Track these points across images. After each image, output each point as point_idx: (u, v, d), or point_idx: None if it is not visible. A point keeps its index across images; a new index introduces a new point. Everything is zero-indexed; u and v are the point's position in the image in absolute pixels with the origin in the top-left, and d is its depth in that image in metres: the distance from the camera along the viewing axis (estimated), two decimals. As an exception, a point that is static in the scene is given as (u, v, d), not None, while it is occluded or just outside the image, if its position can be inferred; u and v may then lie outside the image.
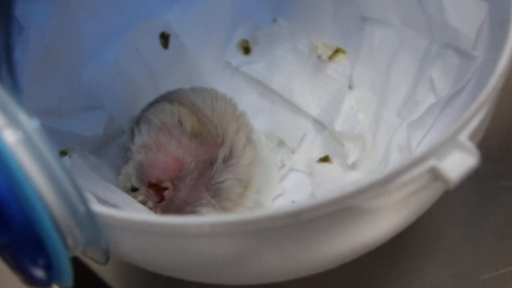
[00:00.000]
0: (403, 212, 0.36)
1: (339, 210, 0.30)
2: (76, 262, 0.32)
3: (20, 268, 0.32)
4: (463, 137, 0.33)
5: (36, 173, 0.29)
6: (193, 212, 0.48)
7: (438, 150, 0.32)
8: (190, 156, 0.47)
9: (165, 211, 0.48)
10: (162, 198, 0.47)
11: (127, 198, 0.47)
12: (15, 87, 0.37)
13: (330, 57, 0.60)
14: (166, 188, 0.47)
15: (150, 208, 0.48)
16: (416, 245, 0.49)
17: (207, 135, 0.48)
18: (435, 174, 0.32)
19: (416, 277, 0.48)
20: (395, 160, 0.51)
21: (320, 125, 0.60)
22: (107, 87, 0.56)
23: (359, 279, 0.48)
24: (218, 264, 0.35)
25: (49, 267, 0.31)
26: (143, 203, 0.48)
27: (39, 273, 0.32)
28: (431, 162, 0.32)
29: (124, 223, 0.32)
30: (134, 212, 0.43)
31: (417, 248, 0.49)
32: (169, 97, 0.51)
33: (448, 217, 0.51)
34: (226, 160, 0.48)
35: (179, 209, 0.48)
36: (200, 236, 0.31)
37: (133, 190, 0.48)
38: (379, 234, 0.37)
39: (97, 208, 0.31)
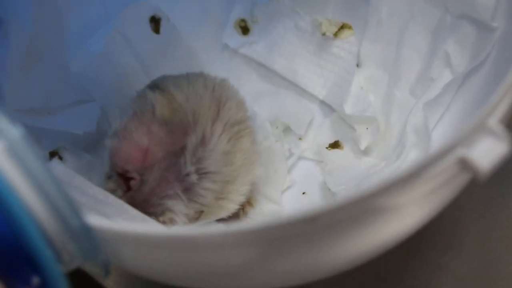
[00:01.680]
0: (428, 207, 0.34)
1: (362, 211, 0.29)
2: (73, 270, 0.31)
3: (13, 289, 0.30)
4: (493, 121, 0.31)
5: (23, 186, 0.28)
6: (159, 204, 0.46)
7: (465, 137, 0.30)
8: (159, 145, 0.45)
9: (132, 201, 0.46)
10: (129, 188, 0.46)
11: (119, 204, 0.45)
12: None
13: (336, 34, 0.58)
14: (132, 178, 0.46)
15: (120, 197, 0.46)
16: (440, 237, 0.48)
17: (178, 122, 0.46)
18: (464, 165, 0.30)
19: (442, 271, 0.47)
20: (412, 143, 0.50)
21: (328, 108, 0.58)
22: (96, 78, 0.55)
23: (382, 275, 0.47)
24: (227, 273, 0.33)
25: (44, 286, 0.30)
26: (113, 191, 0.46)
27: (33, 294, 0.30)
28: (459, 152, 0.30)
29: (122, 236, 0.30)
30: (129, 223, 0.41)
31: (441, 240, 0.48)
32: (152, 84, 0.49)
33: (472, 206, 0.49)
34: (195, 151, 0.45)
35: (146, 201, 0.46)
36: (209, 247, 0.29)
37: (109, 177, 0.47)
38: (401, 231, 0.35)
39: (93, 220, 0.29)
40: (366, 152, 0.54)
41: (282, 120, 0.57)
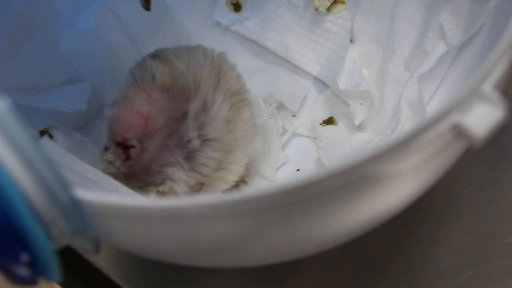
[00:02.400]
0: (423, 177, 0.34)
1: (355, 180, 0.28)
2: (66, 251, 0.30)
3: (1, 266, 0.29)
4: (488, 87, 0.30)
5: (10, 160, 0.27)
6: (159, 172, 0.45)
7: (459, 103, 0.30)
8: (159, 112, 0.44)
9: (131, 170, 0.45)
10: (128, 157, 0.45)
11: (108, 181, 0.45)
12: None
13: (328, 9, 0.57)
14: (132, 146, 0.45)
15: (118, 167, 0.46)
16: (435, 211, 0.48)
17: (179, 89, 0.45)
18: (459, 131, 0.29)
19: (438, 244, 0.46)
20: (407, 117, 0.49)
21: (322, 84, 0.58)
22: (86, 57, 0.54)
23: (377, 250, 0.46)
24: (219, 247, 0.33)
25: (33, 263, 0.29)
26: (112, 162, 0.46)
27: (23, 270, 0.29)
28: (454, 118, 0.29)
29: (111, 210, 0.29)
30: (121, 196, 0.41)
31: (437, 214, 0.48)
32: (151, 54, 0.49)
33: (468, 179, 0.49)
34: (197, 116, 0.45)
35: (146, 169, 0.45)
36: (199, 219, 0.29)
37: (106, 149, 0.46)
38: (397, 202, 0.34)
39: (82, 194, 0.29)
40: (360, 127, 0.54)
41: (276, 97, 0.56)
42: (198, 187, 0.46)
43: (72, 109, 0.51)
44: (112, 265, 0.49)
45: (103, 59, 0.55)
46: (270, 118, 0.55)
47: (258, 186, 0.52)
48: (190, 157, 0.45)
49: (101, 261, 0.49)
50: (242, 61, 0.58)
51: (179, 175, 0.45)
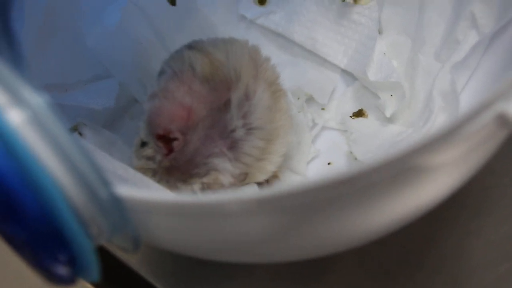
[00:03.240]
0: (464, 168, 0.33)
1: (400, 172, 0.28)
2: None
3: (40, 266, 0.29)
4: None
5: (49, 157, 0.27)
6: (204, 163, 0.45)
7: (504, 92, 0.29)
8: (201, 103, 0.44)
9: (174, 164, 0.45)
10: (171, 150, 0.45)
11: (139, 178, 0.45)
12: (17, 60, 0.34)
13: (355, 0, 0.57)
14: (175, 139, 0.45)
15: (160, 162, 0.45)
16: (470, 202, 0.47)
17: (220, 79, 0.45)
18: (503, 120, 0.29)
19: (473, 236, 0.46)
20: (440, 108, 0.49)
21: (350, 76, 0.58)
22: (113, 53, 0.54)
23: (412, 243, 0.46)
24: (258, 244, 0.32)
25: (72, 262, 0.29)
26: (151, 158, 0.46)
27: (62, 269, 0.29)
28: (498, 107, 0.29)
29: (152, 206, 0.29)
30: (162, 192, 0.40)
31: (472, 205, 0.47)
32: (187, 45, 0.49)
33: (503, 170, 0.49)
34: (241, 105, 0.45)
35: (190, 161, 0.45)
36: (242, 214, 0.28)
37: (143, 145, 0.46)
38: (438, 194, 0.34)
39: (122, 190, 0.28)
40: (391, 119, 0.53)
41: (305, 90, 0.56)
42: (242, 178, 0.45)
43: (100, 105, 0.51)
44: (143, 263, 0.48)
45: (130, 55, 0.55)
46: (300, 112, 0.54)
47: (289, 181, 0.51)
48: (234, 147, 0.45)
49: (132, 259, 0.49)
50: (268, 54, 0.57)
51: (224, 165, 0.44)
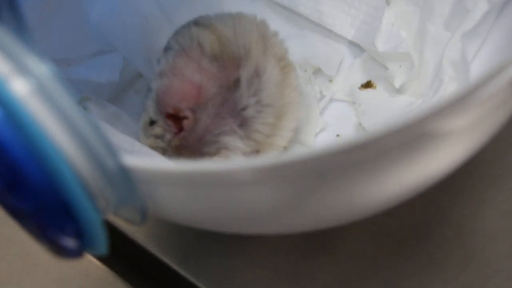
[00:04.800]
0: (478, 134, 0.33)
1: (414, 137, 0.27)
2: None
3: (47, 238, 0.29)
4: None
5: (56, 127, 0.27)
6: (215, 142, 0.45)
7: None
8: (211, 81, 0.44)
9: (185, 142, 0.45)
10: (181, 129, 0.45)
11: (145, 151, 0.44)
12: (22, 32, 0.34)
13: (362, -30, 0.56)
14: (185, 118, 0.44)
15: (169, 141, 0.45)
16: (483, 172, 0.47)
17: (229, 56, 0.45)
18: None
19: (486, 205, 0.45)
20: (451, 78, 0.48)
21: (357, 47, 0.57)
22: (117, 27, 0.53)
23: (424, 215, 0.46)
24: (270, 212, 0.32)
25: (80, 235, 0.29)
26: (160, 136, 0.45)
27: (69, 242, 0.29)
28: (513, 71, 0.28)
29: (160, 176, 0.29)
30: (170, 161, 0.40)
31: (485, 175, 0.47)
32: (193, 21, 0.48)
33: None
34: (251, 82, 0.44)
35: (200, 140, 0.45)
36: (252, 183, 0.28)
37: (151, 123, 0.46)
38: (452, 162, 0.34)
39: (130, 160, 0.28)
40: (400, 90, 0.53)
41: (312, 63, 0.55)
42: (253, 155, 0.45)
43: (105, 79, 0.51)
44: (151, 237, 0.48)
45: (134, 29, 0.54)
46: (307, 85, 0.54)
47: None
48: (244, 124, 0.45)
49: (139, 234, 0.48)
50: (274, 27, 0.56)
51: (235, 143, 0.44)
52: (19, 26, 0.33)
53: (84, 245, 0.29)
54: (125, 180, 0.29)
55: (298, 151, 0.48)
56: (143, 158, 0.29)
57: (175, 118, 0.44)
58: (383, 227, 0.45)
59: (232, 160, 0.25)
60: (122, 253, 0.49)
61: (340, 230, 0.45)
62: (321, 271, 0.44)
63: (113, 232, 0.47)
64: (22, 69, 0.26)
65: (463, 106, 0.28)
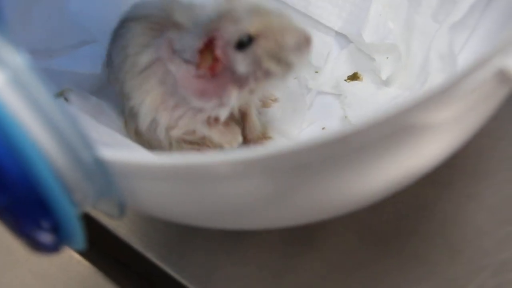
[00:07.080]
0: (462, 127, 0.33)
1: (396, 130, 0.27)
2: (84, 218, 0.29)
3: (23, 233, 0.29)
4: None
5: (30, 119, 0.26)
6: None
7: (503, 48, 0.28)
8: None
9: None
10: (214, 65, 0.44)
11: (126, 144, 0.44)
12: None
13: (349, -41, 0.56)
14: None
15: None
16: (467, 166, 0.46)
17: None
18: (503, 76, 0.28)
19: (471, 201, 0.45)
20: (438, 70, 0.48)
21: (344, 38, 0.57)
22: (98, 17, 0.53)
23: (409, 210, 0.45)
24: (250, 207, 0.32)
25: (56, 229, 0.28)
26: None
27: (45, 237, 0.29)
28: (497, 63, 0.28)
29: (137, 169, 0.29)
30: (147, 154, 0.40)
31: (469, 170, 0.46)
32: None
33: (500, 133, 0.48)
34: None
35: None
36: (231, 176, 0.28)
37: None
38: (435, 156, 0.33)
39: (106, 153, 0.28)
40: (387, 82, 0.52)
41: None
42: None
43: (87, 70, 0.50)
44: (133, 232, 0.48)
45: (114, 19, 0.54)
46: (295, 78, 0.53)
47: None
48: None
49: (121, 229, 0.48)
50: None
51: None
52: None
53: (61, 239, 0.29)
54: (101, 173, 0.28)
55: (278, 144, 0.47)
56: (121, 151, 0.28)
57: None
58: (367, 223, 0.45)
59: (212, 154, 0.24)
60: (104, 248, 0.49)
61: (324, 226, 0.45)
62: (305, 267, 0.44)
63: (94, 227, 0.47)
64: (-4, 60, 0.26)
65: (447, 98, 0.27)
